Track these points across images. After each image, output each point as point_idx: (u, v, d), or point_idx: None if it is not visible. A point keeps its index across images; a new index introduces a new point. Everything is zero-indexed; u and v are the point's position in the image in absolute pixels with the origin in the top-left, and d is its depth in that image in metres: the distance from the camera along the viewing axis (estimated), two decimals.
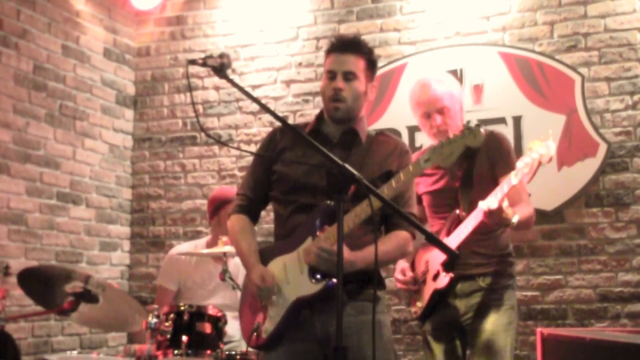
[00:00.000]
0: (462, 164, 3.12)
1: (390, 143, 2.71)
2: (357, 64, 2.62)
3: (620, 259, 4.20)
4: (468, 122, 3.22)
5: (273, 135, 2.77)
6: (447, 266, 3.06)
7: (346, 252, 2.31)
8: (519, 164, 2.92)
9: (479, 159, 3.11)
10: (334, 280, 2.39)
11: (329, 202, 2.49)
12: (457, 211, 3.09)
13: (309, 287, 2.47)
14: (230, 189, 4.02)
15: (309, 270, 2.48)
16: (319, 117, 2.72)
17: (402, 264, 3.25)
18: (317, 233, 2.49)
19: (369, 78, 2.67)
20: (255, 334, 2.57)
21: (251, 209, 2.76)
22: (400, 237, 2.61)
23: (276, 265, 2.58)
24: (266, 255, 2.63)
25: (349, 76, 2.61)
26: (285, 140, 2.71)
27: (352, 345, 2.39)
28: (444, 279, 3.06)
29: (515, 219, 2.92)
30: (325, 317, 2.48)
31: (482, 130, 2.40)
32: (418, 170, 2.45)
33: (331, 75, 2.63)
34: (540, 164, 2.90)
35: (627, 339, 2.89)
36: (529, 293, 4.32)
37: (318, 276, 2.47)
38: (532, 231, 4.27)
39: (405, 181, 2.44)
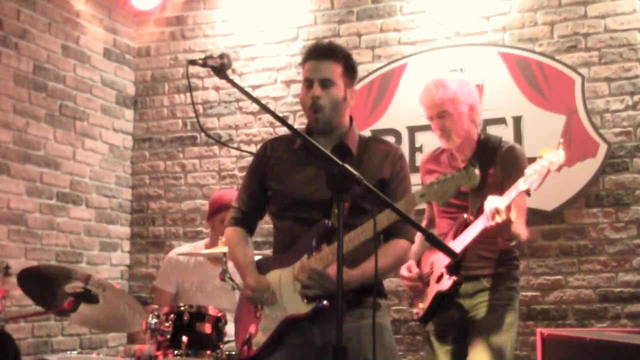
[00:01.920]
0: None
1: (383, 149, 2.67)
2: (333, 71, 2.59)
3: (620, 259, 4.20)
4: (480, 135, 3.23)
5: (264, 149, 2.78)
6: (451, 269, 3.06)
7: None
8: (528, 170, 2.90)
9: (494, 169, 3.11)
10: (325, 302, 2.42)
11: (327, 221, 2.49)
12: (465, 215, 3.09)
13: (300, 307, 2.48)
14: (228, 195, 3.96)
15: (301, 289, 2.48)
16: (308, 131, 2.69)
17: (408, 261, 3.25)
18: (314, 252, 2.49)
19: (347, 83, 2.64)
20: (246, 345, 2.59)
21: (246, 222, 2.78)
22: (399, 247, 2.59)
23: (272, 278, 2.59)
24: (263, 266, 2.65)
25: (326, 83, 2.58)
26: (277, 153, 2.71)
27: (353, 349, 2.38)
28: (447, 282, 3.06)
29: (514, 242, 2.97)
30: (323, 326, 2.47)
31: (476, 171, 2.36)
32: (412, 205, 2.44)
33: (308, 83, 2.60)
34: (549, 171, 2.89)
35: (627, 339, 2.89)
36: (529, 293, 4.32)
37: (309, 296, 2.47)
38: (532, 231, 4.26)
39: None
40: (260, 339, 2.55)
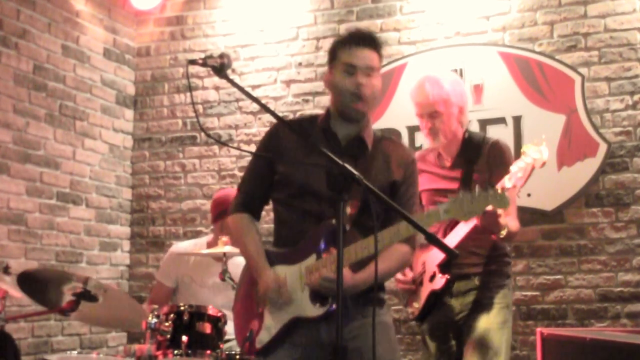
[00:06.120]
0: (463, 167, 3.14)
1: (396, 151, 2.62)
2: (375, 59, 2.53)
3: (620, 259, 4.20)
4: (465, 133, 3.22)
5: (275, 131, 2.62)
6: (443, 267, 3.07)
7: (348, 277, 2.28)
8: (513, 168, 2.92)
9: (480, 165, 3.13)
10: (334, 306, 2.34)
11: (334, 221, 2.38)
12: None
13: (309, 310, 2.42)
14: (232, 196, 3.96)
15: (310, 291, 2.43)
16: (328, 114, 2.60)
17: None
18: (323, 255, 2.42)
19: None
20: (248, 342, 2.54)
21: (253, 207, 2.65)
22: (401, 251, 2.55)
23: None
24: (268, 260, 2.54)
25: (369, 72, 2.50)
26: (288, 138, 2.56)
27: (360, 346, 2.38)
28: (440, 280, 3.08)
29: (504, 232, 2.95)
30: (330, 325, 2.41)
31: (507, 196, 2.33)
32: (436, 219, 2.36)
33: (351, 69, 2.49)
34: (533, 168, 2.91)
35: (627, 339, 2.89)
36: (529, 293, 4.32)
37: (320, 300, 2.41)
38: (532, 231, 4.28)
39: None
40: (264, 337, 2.51)
